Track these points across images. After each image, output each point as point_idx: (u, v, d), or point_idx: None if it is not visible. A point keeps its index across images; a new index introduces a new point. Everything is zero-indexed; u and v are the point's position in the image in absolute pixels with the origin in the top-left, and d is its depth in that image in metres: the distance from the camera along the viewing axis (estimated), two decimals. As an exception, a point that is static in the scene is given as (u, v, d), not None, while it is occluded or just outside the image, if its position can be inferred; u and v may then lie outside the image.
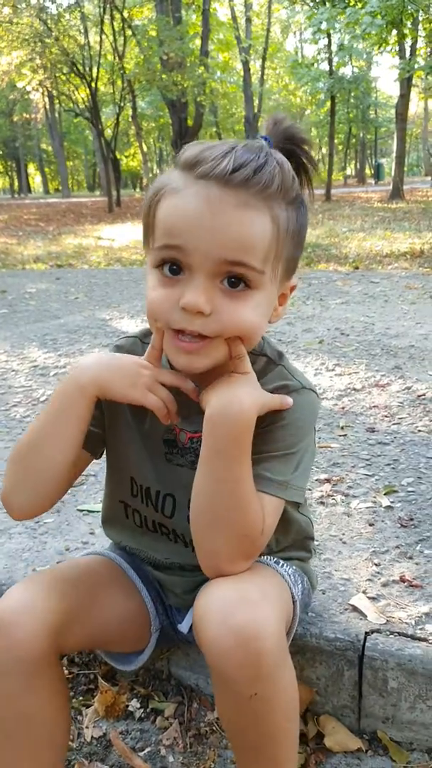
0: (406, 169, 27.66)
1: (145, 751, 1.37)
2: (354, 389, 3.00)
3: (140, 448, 1.24)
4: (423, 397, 2.84)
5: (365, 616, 1.43)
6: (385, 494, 1.99)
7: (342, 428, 2.53)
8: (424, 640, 1.36)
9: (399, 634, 1.38)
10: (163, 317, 1.02)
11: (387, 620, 1.42)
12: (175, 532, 1.25)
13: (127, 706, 1.48)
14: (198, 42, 24.93)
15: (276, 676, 0.98)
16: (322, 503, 1.96)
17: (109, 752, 1.38)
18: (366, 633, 1.38)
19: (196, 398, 1.09)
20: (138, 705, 1.48)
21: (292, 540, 1.32)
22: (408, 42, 20.17)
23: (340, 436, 2.46)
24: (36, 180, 72.00)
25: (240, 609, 0.97)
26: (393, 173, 22.12)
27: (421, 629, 1.39)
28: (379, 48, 18.12)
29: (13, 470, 1.15)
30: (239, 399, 1.03)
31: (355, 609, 1.46)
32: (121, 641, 1.32)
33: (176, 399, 1.12)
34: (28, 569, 1.69)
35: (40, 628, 1.05)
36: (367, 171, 53.32)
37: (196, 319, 0.98)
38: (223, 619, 0.97)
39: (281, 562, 1.24)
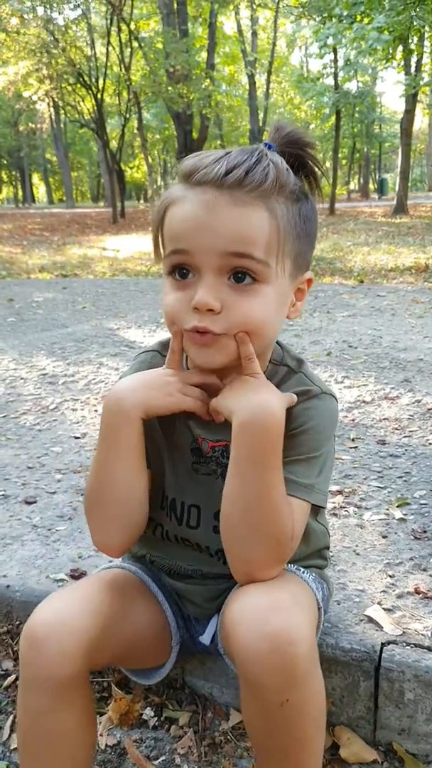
0: (410, 184, 27.72)
1: (160, 760, 1.37)
2: (364, 401, 3.01)
3: (169, 459, 1.24)
4: (433, 410, 2.84)
5: (381, 627, 1.43)
6: (397, 506, 1.99)
7: (353, 440, 2.54)
8: (441, 651, 1.36)
9: (415, 645, 1.38)
10: (179, 319, 1.06)
11: (403, 631, 1.42)
12: (199, 545, 1.25)
13: (141, 714, 1.48)
14: (204, 55, 25.11)
15: (308, 683, 0.99)
16: (335, 515, 1.96)
17: (123, 761, 1.38)
18: (382, 644, 1.38)
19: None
20: (152, 713, 1.48)
21: (310, 549, 1.33)
22: (414, 58, 20.27)
23: (351, 448, 2.47)
24: (40, 190, 72.25)
25: (273, 615, 0.97)
26: (397, 188, 22.19)
27: (437, 641, 1.39)
28: (385, 63, 18.18)
29: (97, 516, 1.17)
30: (268, 403, 1.04)
31: (370, 620, 1.46)
32: (144, 657, 1.32)
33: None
34: (41, 576, 1.69)
35: (75, 646, 1.04)
36: (371, 186, 53.48)
37: (207, 317, 1.02)
38: (256, 625, 0.97)
39: (302, 569, 1.24)
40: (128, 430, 1.11)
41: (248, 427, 1.03)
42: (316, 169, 1.12)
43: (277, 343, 1.22)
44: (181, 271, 1.05)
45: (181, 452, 1.23)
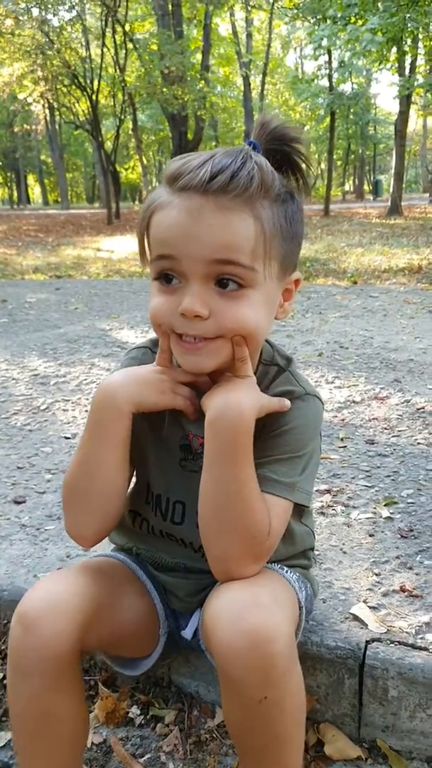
0: (404, 185, 27.79)
1: (145, 758, 1.37)
2: (353, 401, 3.02)
3: (157, 456, 1.25)
4: (422, 410, 2.86)
5: (366, 625, 1.44)
6: (385, 505, 2.00)
7: (342, 440, 2.55)
8: (425, 649, 1.36)
9: (399, 643, 1.39)
10: (166, 323, 1.07)
11: (387, 629, 1.42)
12: (183, 540, 1.26)
13: (128, 712, 1.49)
14: (199, 56, 25.16)
15: (286, 681, 0.99)
16: (323, 513, 1.97)
17: (109, 758, 1.38)
18: (367, 642, 1.39)
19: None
20: (138, 712, 1.49)
21: (294, 550, 1.33)
22: (408, 59, 20.33)
23: (340, 447, 2.47)
24: (35, 191, 72.17)
25: (252, 612, 0.98)
26: (391, 189, 22.24)
27: (421, 638, 1.40)
28: (379, 65, 18.23)
29: (74, 505, 1.18)
30: (237, 402, 1.05)
31: (355, 618, 1.47)
32: (132, 644, 1.32)
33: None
34: (29, 575, 1.69)
35: (68, 627, 1.05)
36: (366, 187, 53.58)
37: (195, 323, 1.03)
38: (234, 621, 0.97)
39: (285, 568, 1.25)
40: (118, 424, 1.12)
41: (215, 423, 1.05)
42: (304, 166, 1.12)
43: (267, 341, 1.23)
44: (167, 277, 1.06)
45: (169, 448, 1.24)
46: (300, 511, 1.27)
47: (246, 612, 0.98)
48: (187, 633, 1.33)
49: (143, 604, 1.30)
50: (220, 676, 1.02)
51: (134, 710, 1.49)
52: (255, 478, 1.06)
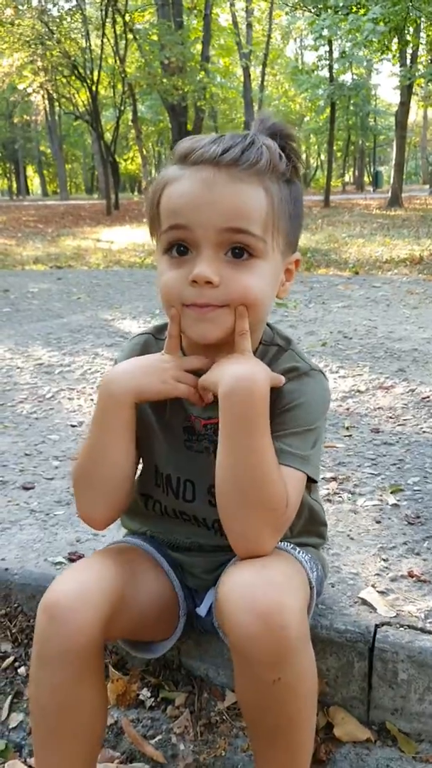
0: (404, 177, 27.73)
1: (156, 739, 1.39)
2: (358, 391, 3.02)
3: (162, 439, 1.27)
4: (427, 399, 2.86)
5: (375, 609, 1.45)
6: (391, 493, 2.01)
7: (347, 429, 2.56)
8: (434, 632, 1.38)
9: (409, 626, 1.40)
10: (176, 296, 1.09)
11: (397, 613, 1.44)
12: (196, 517, 1.28)
13: (138, 695, 1.50)
14: (199, 47, 25.00)
15: (298, 662, 1.00)
16: (329, 500, 1.98)
17: (121, 740, 1.40)
18: (376, 625, 1.40)
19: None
20: (149, 694, 1.50)
21: (305, 524, 1.34)
22: (409, 49, 20.22)
23: (345, 436, 2.48)
24: (34, 182, 71.97)
25: (265, 593, 0.99)
26: (392, 181, 22.18)
27: (430, 622, 1.41)
28: (380, 55, 18.16)
29: (83, 489, 1.21)
30: (251, 371, 1.06)
31: (364, 602, 1.48)
32: (153, 628, 1.33)
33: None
34: (39, 559, 1.70)
35: (95, 618, 1.06)
36: (366, 178, 53.46)
37: (205, 290, 1.05)
38: (248, 603, 0.98)
39: (297, 548, 1.26)
40: (120, 414, 1.14)
41: (232, 394, 1.05)
42: (295, 159, 1.15)
43: (267, 324, 1.25)
44: (179, 248, 1.08)
45: (173, 431, 1.26)
46: (309, 486, 1.28)
47: (259, 593, 0.99)
48: (202, 610, 1.34)
49: (162, 587, 1.31)
50: (233, 656, 1.03)
51: (145, 692, 1.50)
52: (272, 449, 1.07)
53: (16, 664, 1.59)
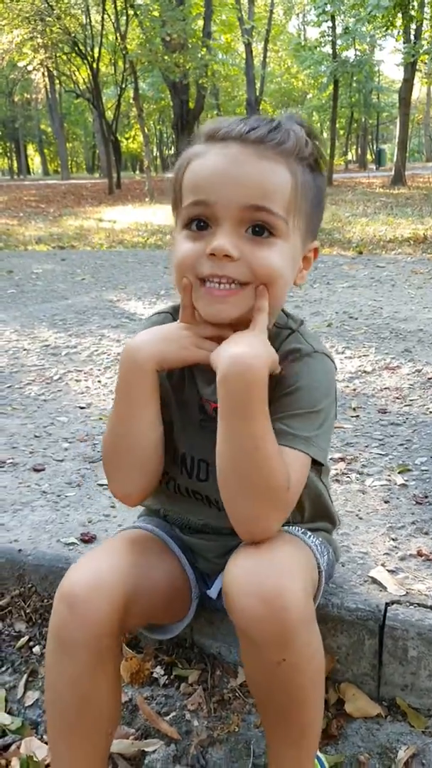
0: (407, 154, 27.48)
1: (171, 716, 1.41)
2: (365, 372, 3.03)
3: (179, 417, 1.27)
4: (433, 379, 2.87)
5: (385, 588, 1.47)
6: (399, 473, 2.03)
7: (354, 409, 2.57)
8: (444, 611, 1.40)
9: (419, 605, 1.42)
10: (190, 267, 1.08)
11: (406, 592, 1.45)
12: (209, 498, 1.28)
13: (152, 673, 1.52)
14: (200, 23, 24.70)
15: (303, 643, 1.01)
16: (337, 481, 1.99)
17: (135, 716, 1.42)
18: (386, 604, 1.42)
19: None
20: (162, 672, 1.52)
21: (315, 509, 1.35)
22: (413, 25, 19.94)
23: (353, 417, 2.50)
24: (35, 161, 71.52)
25: (269, 577, 1.00)
26: (395, 159, 22.00)
27: (440, 601, 1.43)
28: (384, 31, 17.93)
29: (114, 466, 1.21)
30: (244, 354, 1.03)
31: (374, 581, 1.49)
32: (167, 612, 1.35)
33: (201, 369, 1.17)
34: (52, 540, 1.72)
35: (112, 608, 1.07)
36: (369, 156, 53.04)
37: (224, 263, 1.04)
38: (252, 587, 1.00)
39: (308, 533, 1.27)
40: (143, 382, 1.13)
41: (226, 378, 1.03)
42: (319, 156, 1.15)
43: (282, 311, 1.24)
44: (199, 223, 1.08)
45: (189, 409, 1.26)
46: (318, 469, 1.28)
47: (264, 577, 1.00)
48: (213, 593, 1.36)
49: (175, 571, 1.32)
50: (240, 639, 1.05)
51: (158, 671, 1.53)
52: (272, 433, 1.06)
53: (31, 643, 1.61)
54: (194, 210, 1.08)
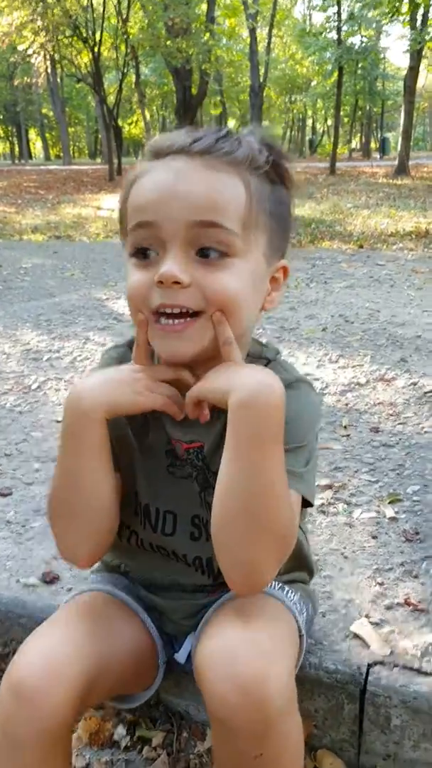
0: (412, 143, 27.20)
1: (131, 785, 1.30)
2: (358, 384, 2.90)
3: (143, 464, 1.14)
4: (430, 393, 2.74)
5: (368, 646, 1.35)
6: (389, 503, 1.90)
7: (345, 427, 2.43)
8: (431, 674, 1.28)
9: (404, 667, 1.30)
10: (142, 300, 0.97)
11: (391, 650, 1.34)
12: (176, 552, 1.16)
13: (113, 733, 1.41)
14: (204, 7, 24.39)
15: (284, 734, 0.91)
16: (323, 512, 1.87)
17: (93, 784, 1.31)
18: (369, 665, 1.30)
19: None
20: (124, 733, 1.40)
21: (294, 557, 1.20)
22: (420, 11, 19.63)
23: (343, 436, 2.37)
24: (37, 146, 71.15)
25: (248, 660, 0.89)
26: (399, 148, 21.75)
27: (427, 661, 1.31)
28: (390, 17, 17.66)
29: (61, 523, 1.07)
30: (269, 379, 0.93)
31: (357, 636, 1.38)
32: (132, 682, 1.23)
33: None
34: (11, 580, 1.60)
35: (69, 696, 0.95)
36: (373, 145, 52.67)
37: (175, 291, 0.92)
38: (228, 669, 0.88)
39: (286, 588, 1.15)
40: (91, 432, 1.00)
41: (249, 403, 0.90)
42: (280, 161, 1.03)
43: (255, 340, 1.13)
44: (144, 251, 0.96)
45: (155, 455, 1.13)
46: (301, 513, 1.15)
47: (243, 660, 0.89)
48: (181, 657, 1.24)
49: (140, 638, 1.20)
50: (212, 725, 0.93)
51: (120, 731, 1.41)
52: (285, 470, 0.94)
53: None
54: (139, 235, 0.96)
